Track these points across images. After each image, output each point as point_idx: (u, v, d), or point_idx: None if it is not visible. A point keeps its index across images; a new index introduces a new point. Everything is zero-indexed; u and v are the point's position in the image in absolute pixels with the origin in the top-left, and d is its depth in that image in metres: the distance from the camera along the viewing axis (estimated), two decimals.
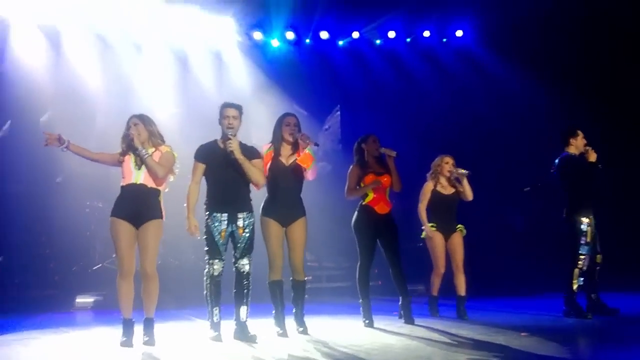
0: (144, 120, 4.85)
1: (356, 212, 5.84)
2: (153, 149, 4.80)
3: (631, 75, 9.29)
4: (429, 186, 6.37)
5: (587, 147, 6.19)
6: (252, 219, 4.98)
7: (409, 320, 5.72)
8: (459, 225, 6.33)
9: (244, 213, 4.92)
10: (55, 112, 8.47)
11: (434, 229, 6.24)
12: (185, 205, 4.99)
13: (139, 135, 4.75)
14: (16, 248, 8.12)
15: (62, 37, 8.75)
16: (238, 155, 4.83)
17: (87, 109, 8.62)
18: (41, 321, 6.18)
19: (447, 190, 6.35)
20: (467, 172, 6.22)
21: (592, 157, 6.13)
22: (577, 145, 6.28)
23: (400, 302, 5.85)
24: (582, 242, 6.06)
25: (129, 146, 4.77)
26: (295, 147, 5.31)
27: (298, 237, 5.28)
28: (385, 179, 5.81)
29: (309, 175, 5.28)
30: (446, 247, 6.30)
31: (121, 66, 9.08)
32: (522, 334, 5.20)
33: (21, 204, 8.31)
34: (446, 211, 6.30)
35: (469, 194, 6.30)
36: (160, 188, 4.82)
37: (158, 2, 9.01)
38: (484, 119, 9.80)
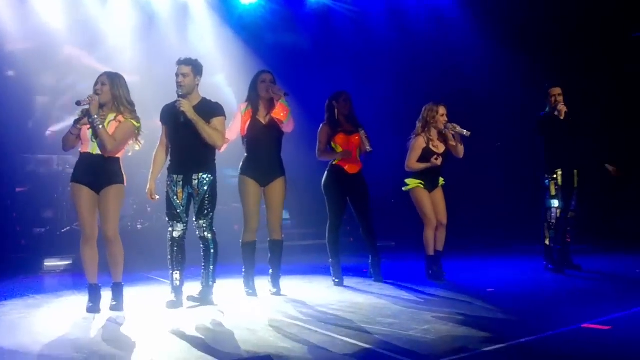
0: (112, 81, 4.65)
1: (326, 172, 5.79)
2: (114, 115, 4.64)
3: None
4: (419, 142, 5.86)
5: (558, 104, 6.18)
6: (209, 179, 4.80)
7: (378, 278, 5.77)
8: (441, 179, 6.00)
9: (199, 174, 4.77)
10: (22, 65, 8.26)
11: (420, 186, 5.87)
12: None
13: (96, 99, 4.54)
14: None
15: None
16: (191, 115, 4.67)
17: (52, 62, 8.37)
18: (9, 286, 6.10)
19: (439, 148, 5.87)
20: (468, 132, 5.71)
21: (561, 114, 6.14)
22: (548, 103, 6.30)
23: (370, 261, 5.88)
24: (547, 196, 6.24)
25: (83, 111, 4.59)
26: (271, 104, 5.21)
27: (277, 197, 5.24)
28: (355, 138, 5.75)
29: (287, 127, 5.21)
30: None
31: (87, 18, 8.82)
32: (488, 289, 5.31)
33: None
34: (434, 170, 5.89)
35: (461, 151, 5.86)
36: (118, 156, 4.70)
37: None
38: (456, 77, 9.71)
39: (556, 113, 6.13)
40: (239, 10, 10.02)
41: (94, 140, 4.59)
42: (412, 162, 5.87)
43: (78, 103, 4.55)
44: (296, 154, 6.77)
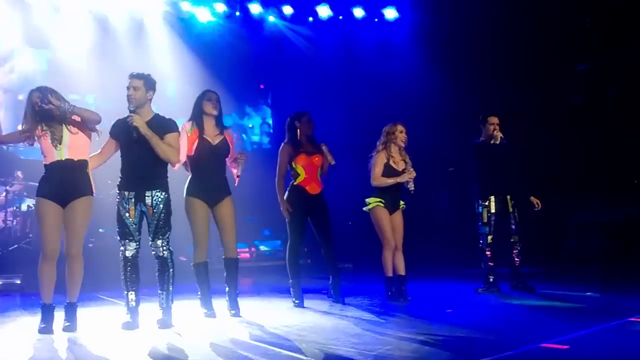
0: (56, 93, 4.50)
1: (287, 192, 5.76)
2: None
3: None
4: (381, 157, 5.89)
5: (494, 131, 6.38)
6: (163, 197, 4.69)
7: (338, 299, 5.74)
8: (401, 202, 6.01)
9: (152, 191, 4.66)
10: None
11: (381, 205, 5.85)
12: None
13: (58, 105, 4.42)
14: None
15: None
16: (144, 131, 4.57)
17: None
18: None
19: (399, 165, 5.93)
20: (412, 188, 5.80)
21: (497, 139, 6.35)
22: (485, 131, 6.50)
23: (330, 282, 5.85)
24: (479, 222, 6.48)
25: (42, 118, 4.44)
26: (220, 125, 5.23)
27: (228, 216, 5.18)
28: (317, 159, 5.76)
29: (236, 170, 5.27)
30: None
31: (40, 27, 8.69)
32: (447, 310, 5.38)
33: None
34: (395, 188, 5.88)
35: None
36: (86, 158, 4.58)
37: None
38: (404, 103, 9.87)
39: (492, 141, 6.33)
40: (197, 29, 10.04)
41: (58, 147, 4.45)
42: (378, 175, 5.88)
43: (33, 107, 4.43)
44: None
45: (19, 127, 4.60)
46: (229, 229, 5.20)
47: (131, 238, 4.65)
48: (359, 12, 10.40)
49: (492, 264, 6.38)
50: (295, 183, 5.73)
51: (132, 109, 4.65)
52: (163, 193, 4.71)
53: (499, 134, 6.35)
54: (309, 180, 5.72)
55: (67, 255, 4.48)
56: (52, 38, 8.96)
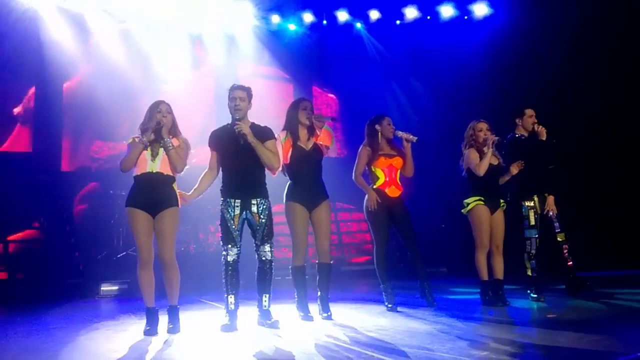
0: (170, 108, 4.82)
1: (367, 196, 5.71)
2: (171, 138, 4.78)
3: None
4: (474, 153, 5.76)
5: (535, 125, 6.01)
6: (267, 204, 4.88)
7: (431, 303, 5.62)
8: (502, 201, 5.84)
9: (258, 199, 4.84)
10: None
11: (481, 203, 5.71)
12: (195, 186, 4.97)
13: (166, 124, 4.73)
14: (42, 237, 8.27)
15: (88, 22, 9.27)
16: (250, 138, 4.74)
17: (114, 90, 8.84)
18: (67, 310, 6.25)
19: (492, 159, 5.76)
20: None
21: (543, 134, 5.97)
22: (524, 125, 6.13)
23: (419, 286, 5.71)
24: (526, 225, 6.00)
25: (153, 133, 4.71)
26: (311, 131, 5.27)
27: (324, 220, 5.25)
28: (397, 161, 5.70)
29: (332, 152, 5.29)
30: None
31: (141, 49, 9.28)
32: (549, 315, 5.15)
33: (46, 193, 8.48)
34: (492, 184, 5.76)
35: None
36: (175, 175, 4.81)
37: None
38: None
39: (539, 137, 5.93)
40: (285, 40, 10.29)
41: (153, 160, 4.70)
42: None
43: (158, 124, 4.70)
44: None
45: (130, 140, 4.84)
46: (323, 234, 5.26)
47: (234, 244, 4.81)
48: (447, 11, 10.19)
49: (570, 263, 6.00)
50: (374, 186, 5.68)
51: (237, 117, 4.83)
52: (267, 200, 4.89)
53: (544, 129, 5.95)
54: (389, 183, 5.67)
55: (162, 262, 4.70)
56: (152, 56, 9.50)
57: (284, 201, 5.26)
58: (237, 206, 4.82)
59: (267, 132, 4.93)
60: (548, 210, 6.06)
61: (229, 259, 4.82)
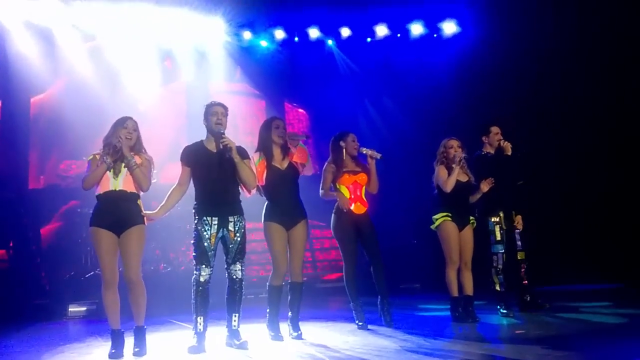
0: (137, 125, 4.75)
1: (333, 215, 5.69)
2: (133, 155, 4.69)
3: None
4: (443, 170, 5.80)
5: (501, 141, 6.12)
6: (243, 223, 4.84)
7: (389, 323, 5.52)
8: (471, 218, 5.90)
9: (235, 216, 4.79)
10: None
11: (448, 219, 5.75)
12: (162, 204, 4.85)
13: (128, 142, 4.65)
14: (7, 257, 8.08)
15: (56, 37, 9.10)
16: (234, 154, 4.70)
17: (83, 106, 8.71)
18: (33, 332, 6.11)
19: (461, 176, 5.82)
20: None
21: (507, 149, 6.07)
22: (490, 142, 6.24)
23: (379, 303, 5.64)
24: (492, 241, 6.07)
25: (115, 153, 4.63)
26: (286, 150, 5.26)
27: (300, 240, 5.23)
28: (361, 178, 5.69)
29: (307, 170, 5.30)
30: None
31: (110, 65, 9.17)
32: (517, 331, 5.18)
33: (11, 211, 8.30)
34: (461, 200, 5.81)
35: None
36: (139, 192, 4.72)
37: (149, 4, 9.10)
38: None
39: (505, 152, 6.02)
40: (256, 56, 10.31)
41: (115, 177, 4.62)
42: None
43: (114, 146, 4.60)
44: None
45: (90, 157, 4.75)
46: (296, 253, 5.24)
47: (207, 263, 4.73)
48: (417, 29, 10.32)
49: (525, 282, 6.15)
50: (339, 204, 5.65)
51: (222, 131, 4.78)
52: (243, 218, 4.85)
53: (509, 144, 6.06)
54: (354, 200, 5.64)
55: (128, 282, 4.61)
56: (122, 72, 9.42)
57: (262, 221, 5.23)
58: (215, 224, 4.75)
59: (243, 151, 4.90)
60: (515, 227, 6.16)
61: (201, 279, 4.72)
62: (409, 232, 9.79)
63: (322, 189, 5.69)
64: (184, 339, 5.05)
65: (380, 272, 5.60)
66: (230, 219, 4.78)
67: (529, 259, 6.25)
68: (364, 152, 5.69)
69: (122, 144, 4.61)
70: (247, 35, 10.00)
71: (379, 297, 5.63)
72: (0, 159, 8.88)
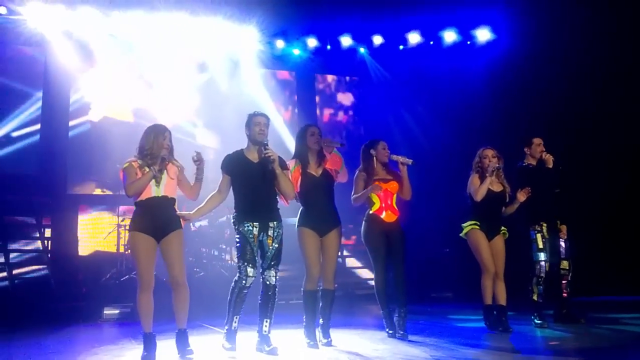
0: (170, 134, 4.84)
1: (364, 222, 5.66)
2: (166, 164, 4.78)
3: None
4: (476, 179, 5.80)
5: (543, 153, 6.08)
6: (282, 230, 4.91)
7: (404, 335, 5.37)
8: (502, 228, 5.86)
9: (275, 222, 4.87)
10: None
11: (476, 227, 5.75)
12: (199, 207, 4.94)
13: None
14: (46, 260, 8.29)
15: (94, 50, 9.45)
16: (277, 165, 4.79)
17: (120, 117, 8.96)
18: (68, 334, 6.24)
19: (495, 186, 5.81)
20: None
21: (549, 162, 6.04)
22: (532, 153, 6.21)
23: (396, 312, 5.53)
24: (534, 249, 6.00)
25: (161, 162, 4.70)
26: (321, 157, 5.29)
27: (333, 247, 5.26)
28: (392, 186, 5.66)
29: (342, 177, 5.30)
30: None
31: (147, 77, 9.43)
32: (551, 342, 5.08)
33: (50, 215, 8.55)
34: (492, 210, 5.77)
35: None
36: (175, 197, 4.82)
37: (184, 15, 9.25)
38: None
39: (546, 165, 6.00)
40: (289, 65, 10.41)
41: (157, 185, 4.70)
42: (481, 191, 5.69)
43: (162, 157, 4.71)
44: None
45: (126, 165, 4.83)
46: (329, 261, 5.26)
47: (253, 264, 4.80)
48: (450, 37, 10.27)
49: (565, 294, 6.08)
50: (370, 212, 5.63)
51: (266, 142, 4.85)
52: (282, 225, 4.93)
53: (551, 157, 6.04)
54: (385, 208, 5.61)
55: (175, 285, 4.70)
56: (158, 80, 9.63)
57: (296, 226, 5.27)
58: (256, 227, 4.83)
59: (282, 162, 4.97)
60: (559, 237, 6.14)
61: (244, 282, 4.78)
62: (441, 241, 9.71)
63: (353, 197, 5.69)
64: (217, 342, 5.10)
65: (401, 282, 5.50)
66: (270, 224, 4.86)
67: (572, 269, 6.16)
68: (395, 158, 5.68)
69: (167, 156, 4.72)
70: (280, 44, 10.09)
71: (397, 306, 5.54)
72: (40, 164, 9.14)
